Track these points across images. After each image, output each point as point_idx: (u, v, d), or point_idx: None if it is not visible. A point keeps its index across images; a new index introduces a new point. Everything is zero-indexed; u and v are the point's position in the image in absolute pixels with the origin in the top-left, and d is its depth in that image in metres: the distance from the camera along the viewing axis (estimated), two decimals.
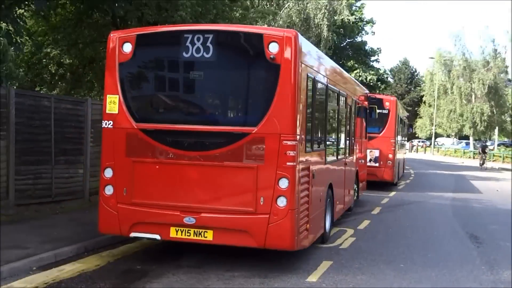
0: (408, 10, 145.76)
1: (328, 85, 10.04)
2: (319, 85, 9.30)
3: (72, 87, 18.88)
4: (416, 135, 74.92)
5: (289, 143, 7.52)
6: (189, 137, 7.99)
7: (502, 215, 15.25)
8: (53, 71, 18.85)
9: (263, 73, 8.02)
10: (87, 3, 14.42)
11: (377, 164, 19.61)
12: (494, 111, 56.27)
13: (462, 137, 68.60)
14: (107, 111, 8.18)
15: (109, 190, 8.14)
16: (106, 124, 8.19)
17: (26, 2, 11.62)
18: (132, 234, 8.13)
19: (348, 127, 12.85)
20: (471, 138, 61.15)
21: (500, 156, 51.56)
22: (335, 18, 37.08)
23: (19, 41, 11.26)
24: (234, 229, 7.65)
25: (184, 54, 7.92)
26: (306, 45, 8.46)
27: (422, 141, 74.07)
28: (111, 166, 8.13)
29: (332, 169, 10.65)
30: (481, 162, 40.24)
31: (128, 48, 8.15)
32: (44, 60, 18.06)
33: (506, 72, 57.89)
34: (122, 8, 13.10)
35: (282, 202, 7.49)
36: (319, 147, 9.38)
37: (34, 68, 18.40)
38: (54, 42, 17.07)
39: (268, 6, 27.46)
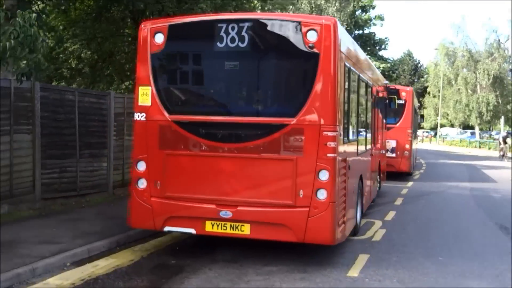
0: (410, 3, 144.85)
1: (360, 74, 9.84)
2: (353, 75, 9.07)
3: (91, 81, 18.69)
4: (421, 126, 74.63)
5: (329, 134, 7.27)
6: (224, 129, 7.77)
7: None
8: (73, 66, 18.63)
9: (301, 62, 7.72)
10: None
11: (394, 155, 19.39)
12: (500, 100, 56.03)
13: (465, 126, 68.33)
14: (139, 103, 7.96)
15: (142, 184, 7.93)
16: (138, 117, 7.97)
17: None
18: (166, 229, 7.93)
19: (373, 117, 12.66)
20: (476, 128, 60.93)
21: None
22: (347, 11, 36.92)
23: (41, 34, 11.05)
24: (272, 223, 7.42)
25: (218, 44, 7.67)
26: (343, 33, 8.18)
27: (427, 132, 73.75)
28: (144, 159, 7.92)
29: (362, 160, 10.46)
30: (501, 153, 39.58)
31: (160, 38, 7.91)
32: (61, 56, 17.85)
33: (510, 62, 57.66)
34: (142, 2, 12.89)
35: (322, 194, 7.27)
36: (353, 138, 9.17)
37: (53, 62, 18.13)
38: (73, 37, 16.88)
39: None
